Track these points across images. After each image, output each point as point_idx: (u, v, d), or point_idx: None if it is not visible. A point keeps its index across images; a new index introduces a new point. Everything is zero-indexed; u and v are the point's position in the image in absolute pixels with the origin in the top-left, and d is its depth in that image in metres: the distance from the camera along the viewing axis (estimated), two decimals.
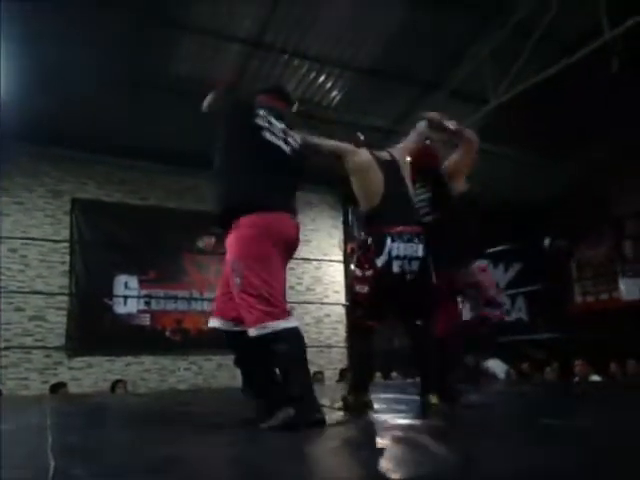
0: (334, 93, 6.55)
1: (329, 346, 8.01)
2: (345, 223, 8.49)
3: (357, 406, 2.48)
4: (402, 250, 2.48)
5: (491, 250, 6.78)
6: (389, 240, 2.48)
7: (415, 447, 1.51)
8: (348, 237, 8.28)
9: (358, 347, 2.71)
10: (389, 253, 2.47)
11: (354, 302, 2.77)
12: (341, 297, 8.35)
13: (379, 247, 2.49)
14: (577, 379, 5.93)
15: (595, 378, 5.95)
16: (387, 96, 6.59)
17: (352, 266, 8.19)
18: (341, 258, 8.32)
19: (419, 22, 5.48)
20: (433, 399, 2.44)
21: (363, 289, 2.54)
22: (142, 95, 5.98)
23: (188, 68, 5.80)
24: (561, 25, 5.27)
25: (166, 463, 1.36)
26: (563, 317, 7.63)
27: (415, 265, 2.51)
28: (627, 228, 8.36)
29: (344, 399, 2.56)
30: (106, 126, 6.31)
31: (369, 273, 2.52)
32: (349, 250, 7.96)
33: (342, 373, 7.21)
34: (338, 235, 8.11)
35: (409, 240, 2.51)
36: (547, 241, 7.03)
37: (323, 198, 8.43)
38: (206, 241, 7.59)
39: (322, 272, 8.33)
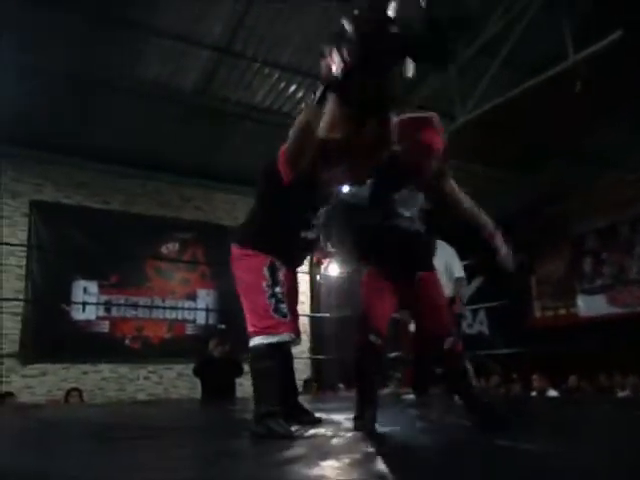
0: (304, 104, 6.54)
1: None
2: None
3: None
4: None
5: None
6: None
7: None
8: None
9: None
10: None
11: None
12: (306, 307, 8.32)
13: None
14: (534, 393, 6.04)
15: (552, 393, 6.07)
16: None
17: (318, 277, 8.16)
18: (307, 269, 8.27)
19: None
20: None
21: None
22: (106, 97, 5.87)
23: (155, 72, 5.73)
24: (528, 47, 5.38)
25: None
26: (522, 332, 7.78)
27: None
28: (586, 245, 8.59)
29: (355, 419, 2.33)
30: (68, 126, 6.17)
31: None
32: (315, 260, 7.90)
33: (306, 384, 7.19)
34: None
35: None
36: None
37: None
38: None
39: None
